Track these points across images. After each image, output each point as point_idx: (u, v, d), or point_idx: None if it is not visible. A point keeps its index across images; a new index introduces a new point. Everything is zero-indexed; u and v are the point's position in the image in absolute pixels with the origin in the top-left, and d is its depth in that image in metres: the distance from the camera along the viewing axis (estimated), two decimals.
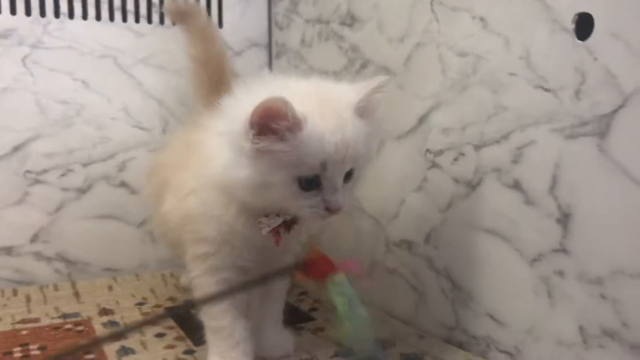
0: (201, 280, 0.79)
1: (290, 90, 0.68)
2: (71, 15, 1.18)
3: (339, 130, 0.66)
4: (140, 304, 1.11)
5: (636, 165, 0.65)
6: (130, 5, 1.23)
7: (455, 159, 0.87)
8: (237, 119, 0.66)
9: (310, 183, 0.67)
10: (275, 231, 0.73)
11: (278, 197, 0.68)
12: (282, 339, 0.88)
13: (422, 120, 0.93)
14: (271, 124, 0.63)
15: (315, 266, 0.70)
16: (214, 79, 0.97)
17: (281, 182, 0.67)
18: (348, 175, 0.69)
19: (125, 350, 0.90)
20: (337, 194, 0.68)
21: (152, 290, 1.18)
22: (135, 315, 1.05)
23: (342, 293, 0.69)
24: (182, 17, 1.01)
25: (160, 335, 0.96)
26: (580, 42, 0.69)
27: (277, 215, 0.72)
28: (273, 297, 0.87)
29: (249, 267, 0.79)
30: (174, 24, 1.17)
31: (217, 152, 0.70)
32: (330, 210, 0.68)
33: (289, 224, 0.73)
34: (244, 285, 0.76)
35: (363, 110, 0.70)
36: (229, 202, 0.73)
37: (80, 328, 0.99)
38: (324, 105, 0.67)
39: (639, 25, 0.63)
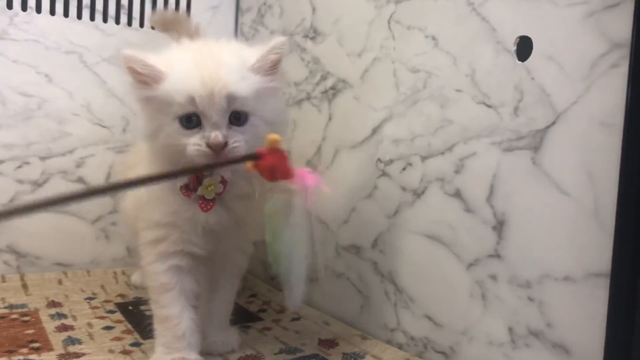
0: (152, 267, 0.81)
1: (183, 48, 0.78)
2: (39, 9, 1.20)
3: (207, 68, 0.71)
4: (89, 298, 1.11)
5: (564, 178, 0.70)
6: (99, 5, 1.26)
7: (404, 169, 0.92)
8: None
9: (189, 121, 0.72)
10: (184, 190, 0.77)
11: (167, 139, 0.74)
12: (227, 335, 0.90)
13: (375, 131, 0.98)
14: (136, 77, 0.73)
15: (268, 159, 0.65)
16: None
17: (165, 124, 0.73)
18: (238, 118, 0.73)
19: (71, 340, 0.90)
20: (217, 130, 0.71)
21: (102, 287, 1.19)
22: (85, 309, 1.05)
23: (285, 207, 0.66)
24: (169, 26, 1.08)
25: (108, 328, 0.97)
26: (520, 62, 0.75)
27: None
28: (222, 294, 0.90)
29: (199, 253, 0.82)
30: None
31: None
32: (211, 146, 0.71)
33: (199, 179, 0.77)
34: (206, 166, 0.75)
35: (259, 69, 0.75)
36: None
37: (26, 318, 0.99)
38: (202, 53, 0.74)
39: (571, 50, 0.69)
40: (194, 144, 0.71)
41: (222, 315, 0.90)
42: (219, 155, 0.71)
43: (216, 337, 0.88)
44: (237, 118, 0.73)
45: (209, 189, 0.77)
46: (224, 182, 0.78)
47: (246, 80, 0.73)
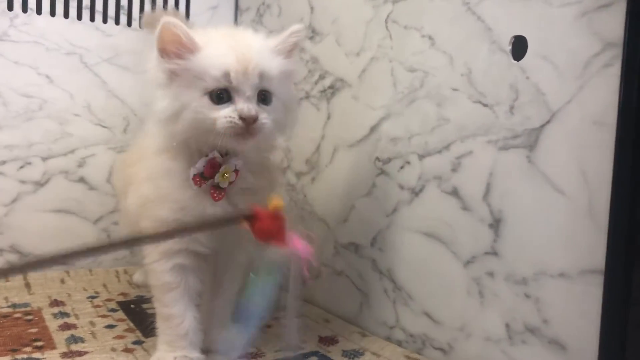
0: (156, 265, 0.82)
1: (204, 32, 0.78)
2: (39, 10, 1.21)
3: (239, 47, 0.74)
4: (92, 297, 1.12)
5: (558, 175, 0.71)
6: (99, 6, 1.26)
7: (402, 167, 0.93)
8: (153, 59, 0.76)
9: (220, 97, 0.73)
10: (198, 179, 0.76)
11: (195, 115, 0.74)
12: (229, 334, 0.91)
13: (373, 129, 0.99)
14: (170, 47, 0.74)
15: (265, 223, 0.64)
16: None
17: (194, 100, 0.73)
18: (264, 97, 0.76)
19: (74, 339, 0.91)
20: (248, 103, 0.73)
21: (104, 285, 1.20)
22: (87, 308, 1.06)
23: (268, 273, 0.63)
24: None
25: (110, 327, 0.98)
26: (515, 62, 0.76)
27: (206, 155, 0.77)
28: (225, 293, 0.90)
29: (204, 252, 0.82)
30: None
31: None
32: (244, 119, 0.72)
33: (214, 167, 0.77)
34: (193, 227, 0.77)
35: (280, 51, 0.78)
36: (173, 173, 0.79)
37: (29, 317, 1.00)
38: (230, 35, 0.77)
39: (565, 49, 0.70)
40: (226, 116, 0.72)
41: (225, 314, 0.91)
42: (249, 130, 0.73)
43: (218, 335, 0.89)
44: (264, 97, 0.75)
45: (225, 176, 0.77)
46: (236, 171, 0.78)
47: (272, 61, 0.77)
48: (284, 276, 0.64)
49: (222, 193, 0.78)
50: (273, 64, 0.76)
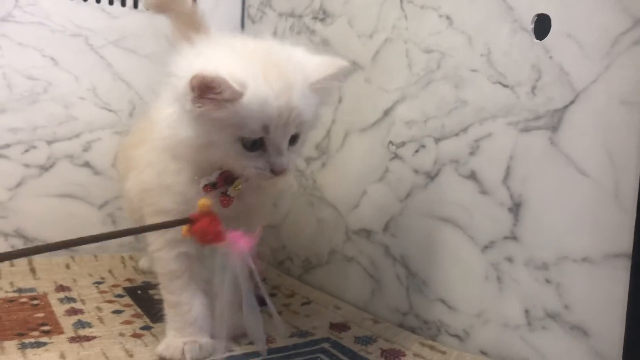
0: (160, 253, 0.80)
1: (235, 52, 0.69)
2: None
3: (283, 94, 0.66)
4: (98, 283, 1.11)
5: (583, 157, 0.69)
6: None
7: (416, 151, 0.91)
8: (182, 78, 0.67)
9: (253, 145, 0.69)
10: (209, 188, 0.73)
11: (222, 156, 0.70)
12: (238, 318, 0.90)
13: (386, 113, 0.97)
14: (208, 94, 0.65)
15: (200, 224, 0.67)
16: None
17: (224, 142, 0.68)
18: (293, 139, 0.71)
19: (81, 324, 0.90)
20: (281, 156, 0.70)
21: (110, 271, 1.18)
22: (93, 294, 1.05)
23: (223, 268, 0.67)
24: (164, 7, 0.99)
25: (117, 312, 0.96)
26: (538, 41, 0.74)
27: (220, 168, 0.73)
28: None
29: None
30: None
31: (164, 113, 0.72)
32: (275, 172, 0.70)
33: (228, 179, 0.74)
34: (135, 229, 0.78)
35: (318, 90, 0.71)
36: (180, 170, 0.75)
37: (35, 302, 0.98)
38: (270, 67, 0.67)
39: (591, 27, 0.68)
40: (257, 167, 0.70)
41: (234, 298, 0.89)
42: (284, 174, 0.71)
43: (228, 320, 0.88)
44: (293, 139, 0.72)
45: (237, 188, 0.74)
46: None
47: (310, 104, 0.70)
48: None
49: (231, 200, 0.75)
50: (311, 108, 0.70)
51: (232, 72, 0.65)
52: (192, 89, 0.64)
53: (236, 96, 0.65)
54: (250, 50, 0.71)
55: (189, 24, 0.97)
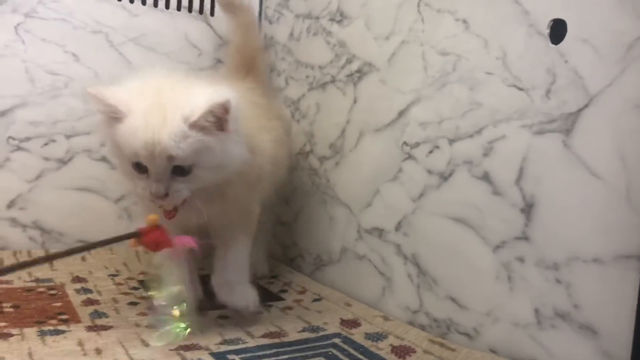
0: None
1: (142, 86, 0.78)
2: None
3: (152, 129, 0.73)
4: (113, 275, 1.13)
5: (596, 160, 0.70)
6: None
7: (430, 152, 0.92)
8: None
9: (139, 167, 0.76)
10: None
11: (123, 172, 0.80)
12: (242, 290, 0.93)
13: (401, 114, 0.98)
14: (99, 107, 0.76)
15: (150, 236, 0.76)
16: (246, 65, 1.13)
17: (121, 160, 0.79)
18: (181, 170, 0.76)
19: (98, 314, 0.92)
20: (158, 183, 0.76)
21: (125, 264, 1.20)
22: (109, 285, 1.07)
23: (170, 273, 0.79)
24: (231, 8, 1.15)
25: (133, 304, 0.98)
26: (553, 45, 0.75)
27: None
28: (233, 252, 0.93)
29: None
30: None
31: None
32: (153, 195, 0.76)
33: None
34: (85, 246, 0.83)
35: (201, 127, 0.74)
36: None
37: (53, 292, 1.00)
38: (155, 105, 0.74)
39: (606, 32, 0.69)
40: (143, 188, 0.77)
41: (237, 270, 0.93)
42: (164, 200, 0.77)
43: (233, 291, 0.91)
44: (180, 170, 0.76)
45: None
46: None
47: (186, 140, 0.74)
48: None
49: (173, 212, 0.81)
50: (186, 145, 0.74)
51: (121, 97, 0.75)
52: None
53: (116, 115, 0.75)
54: (152, 87, 0.78)
55: (245, 30, 1.14)
